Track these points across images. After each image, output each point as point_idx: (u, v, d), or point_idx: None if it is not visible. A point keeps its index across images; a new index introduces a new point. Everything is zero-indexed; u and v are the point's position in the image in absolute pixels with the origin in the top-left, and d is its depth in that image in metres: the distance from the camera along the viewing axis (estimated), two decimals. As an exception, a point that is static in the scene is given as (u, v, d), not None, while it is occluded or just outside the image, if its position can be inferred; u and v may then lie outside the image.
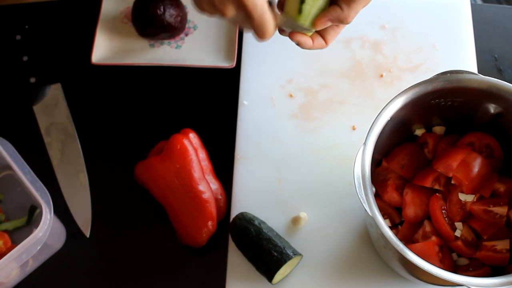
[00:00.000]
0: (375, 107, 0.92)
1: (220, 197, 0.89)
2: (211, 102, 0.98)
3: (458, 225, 0.77)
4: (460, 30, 0.99)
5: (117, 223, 0.91)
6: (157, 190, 0.88)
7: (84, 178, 0.93)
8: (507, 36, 1.02)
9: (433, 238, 0.77)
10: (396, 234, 0.74)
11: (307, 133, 0.93)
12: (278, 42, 0.95)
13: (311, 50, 0.77)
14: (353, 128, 0.93)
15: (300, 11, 0.73)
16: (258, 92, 0.96)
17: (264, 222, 0.84)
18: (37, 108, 0.99)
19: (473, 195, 0.77)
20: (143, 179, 0.89)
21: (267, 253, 0.80)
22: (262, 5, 0.66)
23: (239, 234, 0.83)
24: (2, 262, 0.77)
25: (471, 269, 0.77)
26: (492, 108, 0.76)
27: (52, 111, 0.99)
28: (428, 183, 0.79)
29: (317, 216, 0.87)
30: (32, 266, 0.88)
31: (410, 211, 0.79)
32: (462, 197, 0.77)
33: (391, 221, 0.82)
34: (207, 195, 0.86)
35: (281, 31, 0.73)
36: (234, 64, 0.97)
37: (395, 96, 0.74)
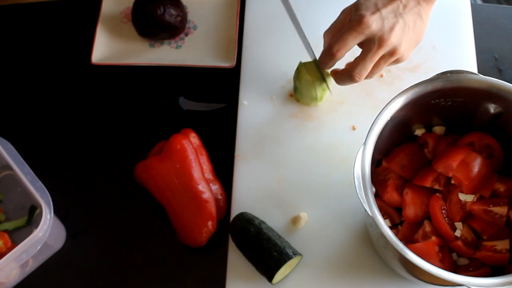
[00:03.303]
0: (375, 107, 0.92)
1: (220, 197, 0.89)
2: (211, 102, 0.98)
3: (458, 225, 0.77)
4: (460, 30, 0.99)
5: (117, 223, 0.91)
6: (157, 190, 0.88)
7: None
8: (507, 36, 1.02)
9: (433, 238, 0.77)
10: (396, 234, 0.74)
11: (307, 133, 0.93)
12: (278, 42, 0.95)
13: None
14: (353, 128, 0.93)
15: (297, 100, 0.94)
16: (258, 92, 0.96)
17: (264, 222, 0.84)
18: None
19: (473, 195, 0.77)
20: (143, 179, 0.89)
21: (267, 253, 0.80)
22: None
23: (239, 234, 0.83)
24: (2, 262, 0.77)
25: (471, 269, 0.77)
26: (492, 108, 0.76)
27: None
28: (428, 183, 0.79)
29: (317, 216, 0.87)
30: (32, 266, 0.88)
31: (410, 211, 0.79)
32: (462, 197, 0.77)
33: (391, 221, 0.82)
34: (207, 195, 0.86)
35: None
36: (234, 64, 0.97)
37: (395, 96, 0.74)
